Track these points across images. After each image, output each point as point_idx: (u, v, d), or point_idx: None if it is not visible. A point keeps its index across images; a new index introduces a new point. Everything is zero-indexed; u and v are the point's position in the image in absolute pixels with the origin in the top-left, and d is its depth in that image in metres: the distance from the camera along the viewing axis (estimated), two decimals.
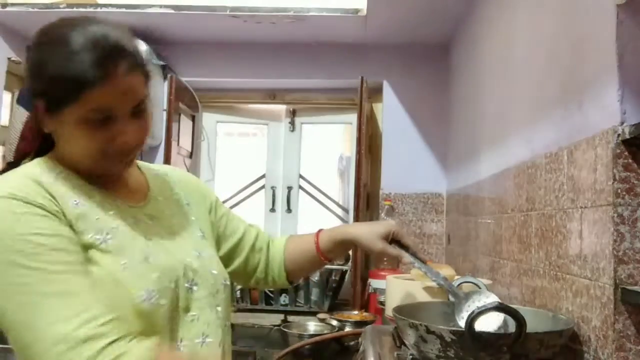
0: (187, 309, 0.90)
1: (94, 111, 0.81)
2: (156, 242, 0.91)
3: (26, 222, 0.77)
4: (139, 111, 0.86)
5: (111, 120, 0.83)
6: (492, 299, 1.02)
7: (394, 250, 1.09)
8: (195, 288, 0.92)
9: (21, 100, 0.92)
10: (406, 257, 1.08)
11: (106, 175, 0.91)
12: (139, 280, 0.83)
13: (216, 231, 1.11)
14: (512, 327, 0.86)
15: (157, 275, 0.85)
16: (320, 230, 1.17)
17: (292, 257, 1.17)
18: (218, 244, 1.10)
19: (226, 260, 1.11)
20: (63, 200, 0.83)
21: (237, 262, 1.14)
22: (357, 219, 2.31)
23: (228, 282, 1.01)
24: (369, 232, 1.11)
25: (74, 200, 0.84)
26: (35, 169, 0.86)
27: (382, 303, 1.75)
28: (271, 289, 1.22)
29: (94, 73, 0.78)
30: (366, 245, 1.11)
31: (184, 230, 0.99)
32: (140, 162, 1.05)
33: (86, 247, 0.82)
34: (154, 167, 1.08)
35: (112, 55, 0.80)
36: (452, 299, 1.06)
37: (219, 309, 0.96)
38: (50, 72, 0.80)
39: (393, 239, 1.10)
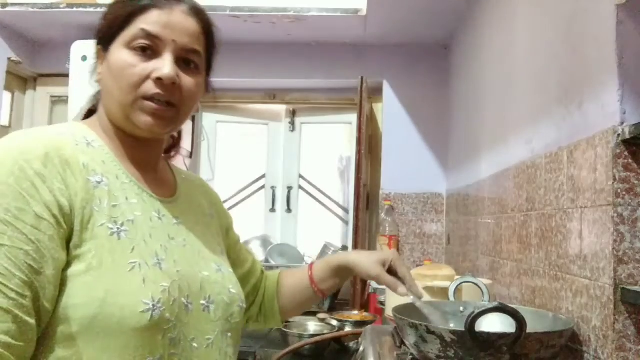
0: (204, 332, 0.80)
1: (141, 33, 0.79)
2: (176, 245, 0.82)
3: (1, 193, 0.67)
4: (189, 65, 0.83)
5: (154, 55, 0.80)
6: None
7: (389, 278, 1.01)
8: (212, 307, 0.82)
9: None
10: (401, 288, 1.01)
11: (136, 146, 0.85)
12: (145, 286, 0.72)
13: (230, 257, 1.01)
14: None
15: (168, 284, 0.75)
16: (313, 263, 1.10)
17: (285, 293, 1.08)
18: None
19: None
20: (82, 174, 0.74)
21: None
22: (357, 219, 2.31)
23: (244, 306, 0.91)
24: (367, 258, 1.04)
25: (97, 177, 0.76)
26: (67, 130, 0.80)
27: (382, 303, 1.75)
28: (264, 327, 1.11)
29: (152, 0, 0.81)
30: (363, 270, 1.03)
31: (206, 240, 0.90)
32: (170, 163, 1.00)
33: (85, 239, 0.72)
34: (183, 171, 1.02)
35: None
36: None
37: (229, 335, 0.86)
38: (111, 4, 0.82)
39: (390, 269, 1.03)
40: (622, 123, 0.90)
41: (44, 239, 0.68)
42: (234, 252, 1.05)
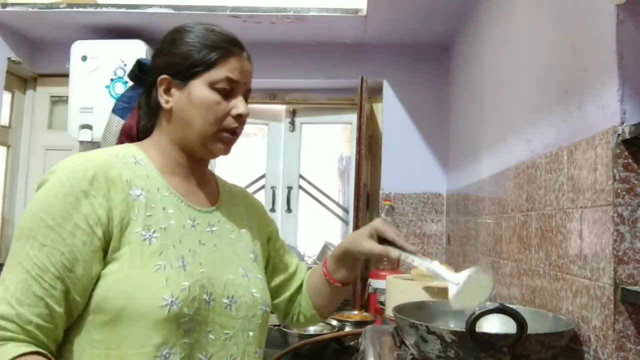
0: (223, 326, 0.90)
1: (226, 79, 0.94)
2: (206, 250, 0.93)
3: (49, 205, 0.82)
4: (246, 99, 0.98)
5: (230, 96, 0.95)
6: (488, 283, 0.95)
7: (378, 248, 1.04)
8: (234, 306, 0.92)
9: (116, 110, 1.05)
10: (392, 251, 1.03)
11: (184, 163, 0.97)
12: (167, 285, 0.83)
13: (272, 262, 1.12)
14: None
15: (189, 284, 0.85)
16: (327, 257, 1.16)
17: (313, 290, 1.15)
18: (272, 275, 1.13)
19: (274, 292, 1.13)
20: (124, 189, 0.86)
21: (283, 296, 1.14)
22: (357, 219, 2.31)
23: (268, 310, 1.00)
24: (354, 236, 1.09)
25: (137, 191, 0.88)
26: (119, 152, 0.93)
27: (382, 303, 1.75)
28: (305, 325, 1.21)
29: (234, 46, 0.96)
30: (355, 250, 1.07)
31: (238, 248, 1.01)
32: (217, 176, 1.11)
33: (122, 244, 0.84)
34: (228, 183, 1.13)
35: (240, 42, 0.98)
36: (447, 284, 0.98)
37: (251, 334, 0.95)
38: (194, 42, 0.95)
39: (380, 238, 1.05)
40: (622, 123, 0.90)
41: (78, 243, 0.81)
42: (277, 257, 1.14)
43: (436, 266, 1.00)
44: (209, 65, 0.93)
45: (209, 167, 1.10)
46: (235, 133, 0.97)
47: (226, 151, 0.98)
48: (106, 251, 0.84)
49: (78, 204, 0.82)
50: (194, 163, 0.99)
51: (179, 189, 0.95)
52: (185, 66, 0.94)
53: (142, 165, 0.93)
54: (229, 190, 1.11)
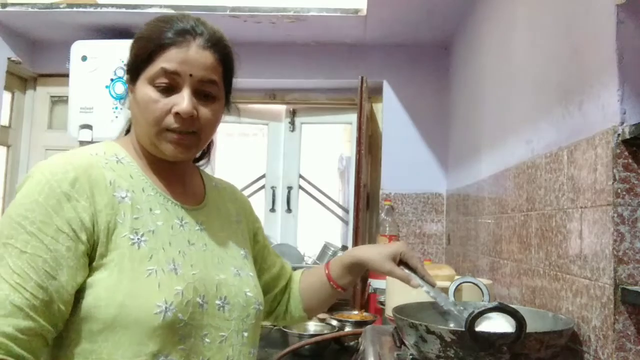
0: (218, 329, 0.87)
1: (161, 71, 0.85)
2: (196, 250, 0.89)
3: (28, 210, 0.77)
4: (207, 96, 0.89)
5: (174, 91, 0.86)
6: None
7: (401, 272, 1.06)
8: (227, 307, 0.89)
9: None
10: (414, 280, 1.05)
11: (163, 160, 0.91)
12: (160, 291, 0.80)
13: (257, 262, 1.09)
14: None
15: (182, 288, 0.82)
16: (328, 262, 1.15)
17: (307, 291, 1.14)
18: (257, 275, 1.08)
19: None
20: (108, 191, 0.82)
21: (267, 296, 1.11)
22: (357, 219, 2.31)
23: (261, 308, 0.97)
24: (378, 254, 1.08)
25: (122, 192, 0.84)
26: (100, 149, 0.89)
27: (382, 303, 1.75)
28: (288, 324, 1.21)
29: (170, 37, 0.86)
30: (375, 267, 1.07)
31: (228, 245, 0.98)
32: (202, 171, 1.07)
33: (109, 249, 0.79)
34: (215, 179, 1.10)
35: (192, 30, 0.87)
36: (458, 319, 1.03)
37: (245, 334, 0.92)
38: (137, 38, 0.89)
39: (401, 261, 1.08)
40: (622, 123, 0.90)
41: (61, 249, 0.76)
42: (261, 256, 1.12)
43: (454, 306, 1.04)
44: (147, 60, 0.86)
45: (209, 164, 1.08)
46: (181, 131, 0.87)
47: (176, 151, 0.88)
48: (92, 257, 0.80)
49: (60, 207, 0.77)
50: (166, 162, 0.93)
51: (163, 188, 0.92)
52: (131, 65, 0.89)
53: (124, 164, 0.89)
54: (215, 186, 1.07)
